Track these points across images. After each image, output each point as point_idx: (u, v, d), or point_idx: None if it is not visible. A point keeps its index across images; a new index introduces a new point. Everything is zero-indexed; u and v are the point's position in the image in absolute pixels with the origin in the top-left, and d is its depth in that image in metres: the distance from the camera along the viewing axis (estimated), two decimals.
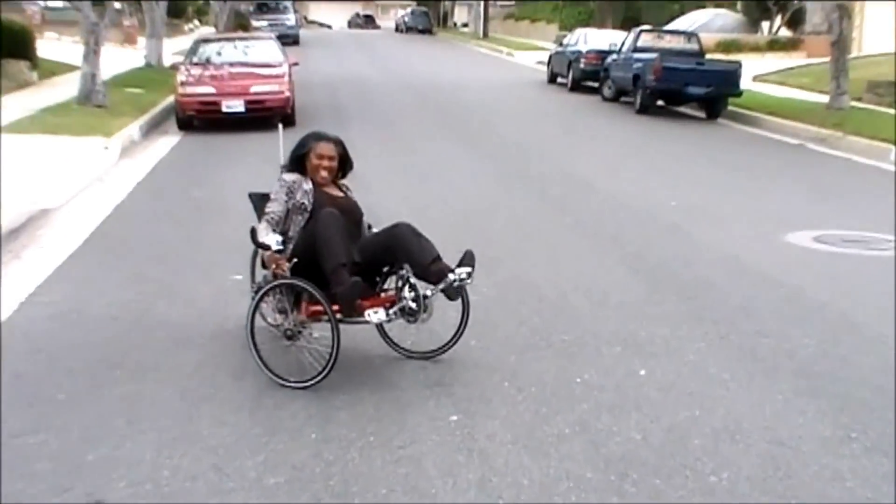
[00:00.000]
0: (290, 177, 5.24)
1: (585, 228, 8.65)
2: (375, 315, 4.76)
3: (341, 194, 5.37)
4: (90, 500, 3.72)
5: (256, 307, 4.96)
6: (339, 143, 5.38)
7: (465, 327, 5.26)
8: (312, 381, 4.79)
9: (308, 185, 5.18)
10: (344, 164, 5.43)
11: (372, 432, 4.34)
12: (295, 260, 4.93)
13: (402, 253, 4.96)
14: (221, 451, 4.15)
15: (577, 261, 7.47)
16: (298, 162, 5.32)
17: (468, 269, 5.03)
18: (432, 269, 4.94)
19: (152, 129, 15.01)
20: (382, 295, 5.11)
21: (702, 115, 18.69)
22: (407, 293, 4.79)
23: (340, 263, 4.74)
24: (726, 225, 8.79)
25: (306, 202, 5.10)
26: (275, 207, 5.12)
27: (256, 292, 5.02)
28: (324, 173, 5.27)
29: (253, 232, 4.95)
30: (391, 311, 4.84)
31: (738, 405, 4.69)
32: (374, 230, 5.39)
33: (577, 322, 5.95)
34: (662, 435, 4.33)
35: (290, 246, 5.00)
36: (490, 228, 8.52)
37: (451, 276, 4.99)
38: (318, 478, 3.91)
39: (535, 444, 4.23)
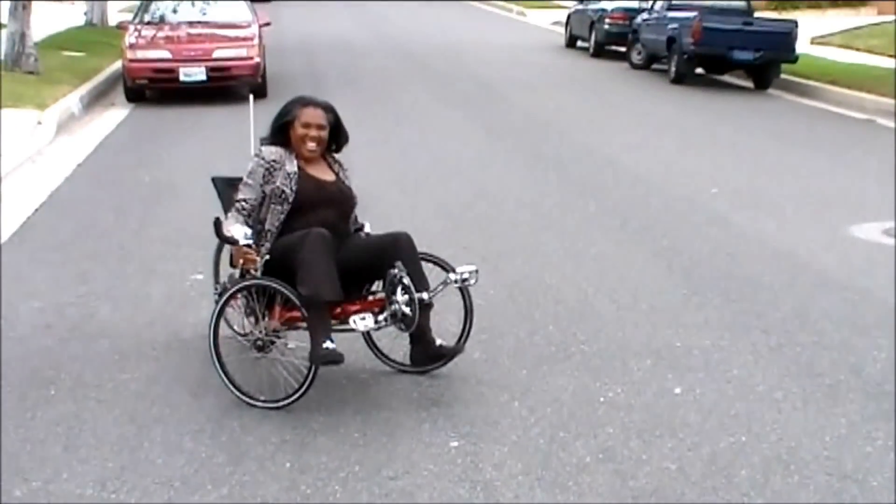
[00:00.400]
0: (271, 152, 5.15)
1: (611, 218, 8.64)
2: (362, 322, 4.74)
3: (331, 177, 5.29)
4: None
5: (221, 312, 4.94)
6: (329, 110, 5.30)
7: (467, 336, 5.25)
8: (286, 401, 4.79)
9: (292, 167, 5.11)
10: (337, 134, 5.35)
11: (357, 461, 4.33)
12: (268, 256, 4.91)
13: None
14: (177, 483, 4.14)
15: (601, 256, 7.46)
16: (281, 132, 5.23)
17: (471, 268, 5.02)
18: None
19: (95, 100, 15.00)
20: (370, 298, 5.10)
21: (749, 84, 18.69)
22: (399, 296, 4.77)
23: (323, 301, 4.72)
24: (779, 215, 8.79)
25: (287, 190, 5.04)
26: (247, 194, 5.08)
27: (221, 294, 5.00)
28: (311, 145, 5.18)
29: (217, 224, 4.92)
30: (381, 318, 4.83)
31: (792, 430, 4.68)
32: (368, 232, 5.35)
33: (601, 330, 5.95)
34: (702, 465, 4.33)
35: (266, 240, 4.98)
36: (499, 218, 8.51)
37: (451, 276, 4.98)
38: None
39: (550, 475, 4.22)
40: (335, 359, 4.67)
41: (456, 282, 5.00)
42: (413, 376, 5.20)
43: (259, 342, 4.94)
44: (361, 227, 5.39)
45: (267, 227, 5.02)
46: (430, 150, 11.58)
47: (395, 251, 4.91)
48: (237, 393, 4.88)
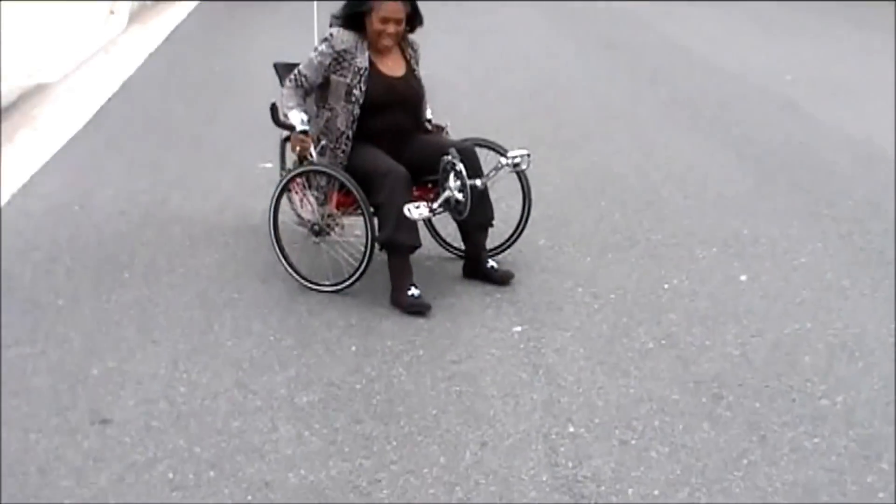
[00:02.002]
0: (343, 40, 4.94)
1: (682, 107, 8.52)
2: (416, 210, 4.68)
3: (401, 72, 5.10)
4: (94, 420, 3.83)
5: (279, 196, 4.98)
6: (408, 1, 5.04)
7: (525, 223, 5.23)
8: (345, 283, 4.85)
9: (363, 61, 4.92)
10: (412, 20, 5.12)
11: (421, 345, 4.40)
12: (324, 142, 4.91)
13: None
14: (246, 364, 4.23)
15: (671, 145, 7.38)
16: (354, 19, 4.99)
17: (523, 152, 4.95)
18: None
19: None
20: (427, 186, 5.08)
21: None
22: (452, 182, 4.73)
23: (403, 246, 4.75)
24: (854, 102, 8.59)
25: (358, 92, 4.88)
26: (308, 72, 4.96)
27: (295, 176, 5.02)
28: (387, 42, 4.98)
29: (273, 109, 4.92)
30: (435, 206, 4.79)
31: (859, 317, 4.64)
32: (438, 125, 5.30)
33: (668, 218, 5.91)
34: (765, 351, 4.32)
35: (339, 140, 4.92)
36: (566, 106, 8.44)
37: (502, 160, 4.94)
38: (358, 396, 3.98)
39: (612, 360, 4.25)
40: (420, 309, 4.69)
41: (508, 166, 4.95)
42: None
43: (316, 226, 4.98)
44: (430, 122, 5.30)
45: (339, 125, 4.91)
46: (498, 39, 11.45)
47: (465, 153, 4.86)
48: (300, 278, 4.95)
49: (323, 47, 4.95)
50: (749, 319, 4.61)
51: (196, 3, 14.12)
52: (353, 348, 4.37)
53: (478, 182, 4.78)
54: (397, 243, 4.74)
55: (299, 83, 4.98)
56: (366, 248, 4.74)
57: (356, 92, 4.90)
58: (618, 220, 5.87)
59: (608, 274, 5.13)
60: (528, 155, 4.97)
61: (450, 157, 4.73)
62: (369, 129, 4.94)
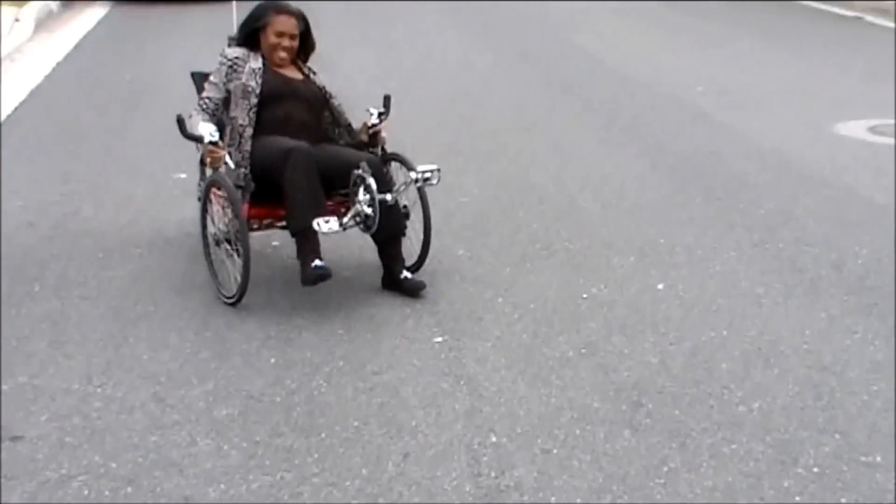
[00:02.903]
0: (234, 51, 5.16)
1: (596, 116, 8.61)
2: (326, 225, 4.66)
3: (300, 76, 5.27)
4: (5, 437, 3.73)
5: (205, 206, 4.94)
6: (302, 18, 5.25)
7: (428, 238, 5.10)
8: (236, 296, 4.77)
9: (257, 63, 5.09)
10: (306, 43, 5.31)
11: (341, 356, 4.36)
12: (229, 163, 4.84)
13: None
14: (163, 378, 4.16)
15: (586, 154, 7.45)
16: (251, 37, 5.22)
17: (433, 167, 4.88)
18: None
19: None
20: (334, 199, 5.05)
21: None
22: (361, 196, 4.71)
23: (308, 225, 4.68)
24: (764, 112, 8.76)
25: (254, 84, 5.01)
26: (210, 93, 5.09)
27: (207, 188, 4.97)
28: (282, 54, 5.15)
29: (180, 121, 4.88)
30: (345, 220, 4.75)
31: (773, 324, 4.72)
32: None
33: (585, 227, 5.96)
34: (683, 359, 4.36)
35: (240, 136, 4.93)
36: (482, 115, 8.47)
37: (412, 175, 4.88)
38: (278, 408, 3.93)
39: (533, 369, 4.26)
40: (324, 274, 4.67)
41: (417, 181, 4.90)
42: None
43: (216, 238, 4.93)
44: (351, 129, 5.30)
45: (239, 122, 4.96)
46: (414, 50, 11.47)
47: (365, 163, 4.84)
48: (219, 291, 4.90)
49: (218, 62, 5.12)
50: (667, 327, 4.66)
51: (106, 10, 13.90)
52: (273, 360, 4.32)
53: (387, 197, 4.75)
54: (310, 229, 4.69)
55: (204, 107, 5.04)
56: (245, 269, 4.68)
57: (251, 84, 5.00)
58: (536, 230, 5.90)
59: (527, 283, 5.15)
60: (438, 170, 4.92)
61: (360, 172, 4.73)
62: (270, 122, 4.99)
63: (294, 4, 5.34)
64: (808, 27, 14.10)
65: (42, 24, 12.37)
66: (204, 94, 5.07)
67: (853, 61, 11.40)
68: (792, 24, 14.37)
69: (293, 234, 4.78)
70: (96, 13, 13.70)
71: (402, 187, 4.91)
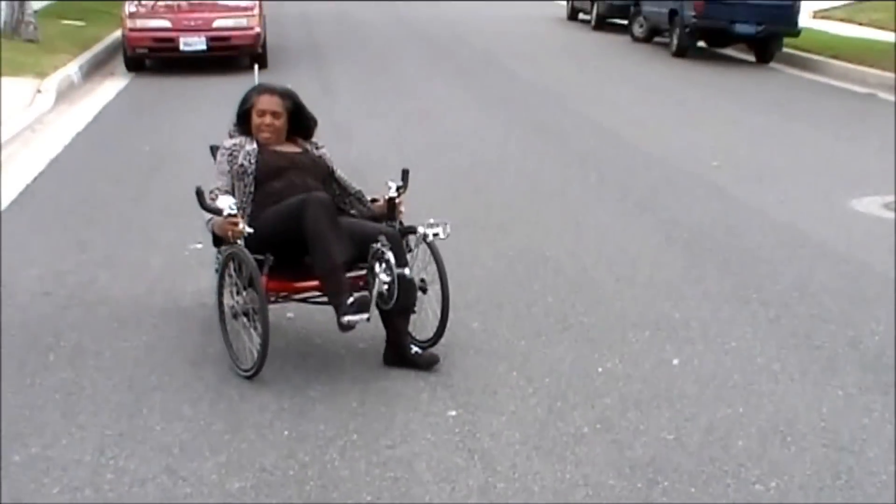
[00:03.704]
0: (232, 140, 5.26)
1: (612, 190, 8.63)
2: (356, 317, 4.64)
3: (297, 150, 5.32)
4: None
5: (222, 277, 4.95)
6: (287, 96, 5.32)
7: (446, 319, 5.07)
8: (253, 369, 4.76)
9: (252, 146, 5.17)
10: (300, 120, 5.37)
11: (355, 429, 4.34)
12: (250, 230, 4.85)
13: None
14: (176, 450, 4.15)
15: (601, 228, 7.45)
16: (244, 120, 5.32)
17: (440, 222, 4.92)
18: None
19: (95, 69, 14.96)
20: (352, 273, 5.05)
21: (751, 58, 18.62)
22: (379, 269, 4.70)
23: (336, 265, 4.70)
24: (779, 188, 8.78)
25: (246, 164, 5.09)
26: (220, 182, 5.13)
27: (225, 261, 4.96)
28: (266, 134, 5.22)
29: (199, 194, 4.91)
30: (371, 305, 4.71)
31: (790, 401, 4.69)
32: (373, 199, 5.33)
33: (600, 301, 5.95)
34: (699, 435, 4.34)
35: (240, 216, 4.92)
36: (498, 188, 8.50)
37: (420, 230, 4.92)
38: (291, 482, 3.91)
39: (548, 444, 4.23)
40: (363, 304, 4.62)
41: (426, 236, 4.90)
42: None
43: (234, 311, 4.93)
44: (361, 197, 5.34)
45: (240, 204, 4.98)
46: (430, 120, 11.55)
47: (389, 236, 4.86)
48: (236, 364, 4.89)
49: (220, 154, 5.23)
50: (682, 403, 4.63)
51: (126, 81, 14.07)
52: (286, 433, 4.31)
53: (406, 271, 4.75)
54: (339, 267, 4.70)
55: (215, 197, 5.00)
56: (263, 345, 4.67)
57: (245, 164, 5.08)
58: (550, 303, 5.89)
59: (542, 357, 5.13)
60: (446, 223, 4.94)
61: (378, 245, 4.74)
62: (274, 196, 5.03)
63: (280, 84, 5.44)
64: (822, 103, 14.17)
65: (63, 95, 12.51)
66: (213, 187, 5.08)
67: (867, 137, 11.44)
68: (806, 99, 14.46)
69: (321, 277, 4.74)
70: (116, 84, 13.87)
71: (415, 250, 4.90)
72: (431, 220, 4.97)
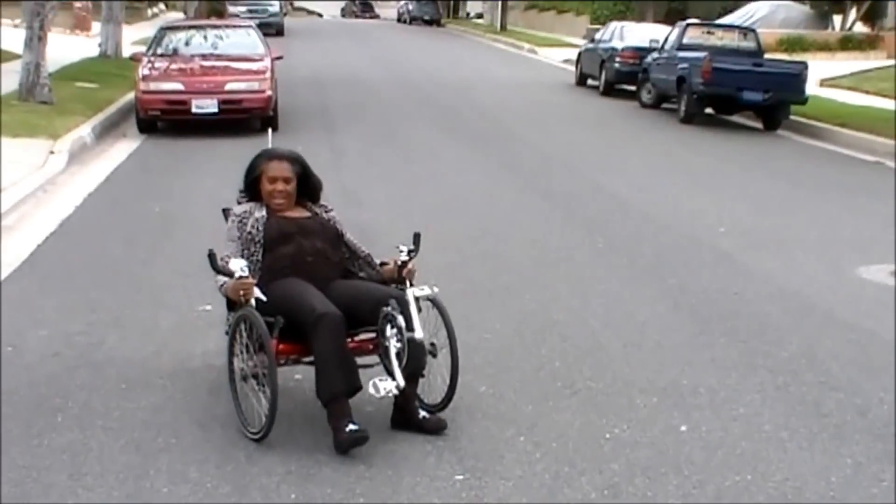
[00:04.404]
0: (242, 207, 5.31)
1: (619, 255, 8.66)
2: (383, 389, 4.66)
3: (306, 214, 5.36)
4: None
5: (233, 339, 4.97)
6: (295, 161, 5.36)
7: (455, 384, 5.08)
8: (262, 433, 4.77)
9: (261, 213, 5.22)
10: (307, 183, 5.41)
11: (361, 493, 4.34)
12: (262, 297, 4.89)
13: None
14: None
15: (608, 293, 7.47)
16: (252, 188, 5.36)
17: (433, 289, 4.96)
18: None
19: (107, 131, 15.07)
20: (362, 336, 5.09)
21: (759, 125, 18.72)
22: (390, 332, 4.74)
23: (339, 394, 4.72)
24: (786, 255, 8.80)
25: (254, 231, 5.14)
26: (230, 249, 5.15)
27: (236, 323, 4.98)
28: (279, 200, 5.27)
29: (212, 256, 4.95)
30: (397, 377, 4.71)
31: (798, 469, 4.68)
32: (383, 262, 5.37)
33: (608, 367, 5.95)
34: (707, 503, 4.31)
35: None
36: (505, 253, 8.53)
37: (409, 293, 4.92)
38: None
39: None
40: (360, 437, 4.66)
41: (417, 299, 4.92)
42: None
43: (244, 374, 4.94)
44: (370, 260, 5.37)
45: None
46: (438, 185, 11.62)
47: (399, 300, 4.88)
48: (242, 426, 4.89)
49: (229, 222, 5.28)
50: (690, 470, 4.62)
51: (138, 143, 14.19)
52: (293, 496, 4.30)
53: (416, 335, 4.75)
54: (341, 396, 4.72)
55: (225, 264, 4.99)
56: (272, 407, 4.68)
57: (253, 231, 5.13)
58: (558, 368, 5.89)
59: (549, 422, 5.13)
60: (433, 287, 5.02)
61: (389, 309, 4.76)
62: (283, 262, 5.08)
63: (287, 149, 5.49)
64: (829, 170, 14.24)
65: (76, 156, 12.61)
66: (222, 254, 5.07)
67: (875, 205, 11.48)
68: (813, 167, 14.52)
69: (324, 405, 4.76)
70: (128, 146, 13.97)
71: (426, 313, 4.92)
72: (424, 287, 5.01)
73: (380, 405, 5.18)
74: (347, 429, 4.65)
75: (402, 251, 5.22)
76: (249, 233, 5.14)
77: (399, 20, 64.28)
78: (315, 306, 4.78)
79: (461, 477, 4.50)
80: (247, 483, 4.40)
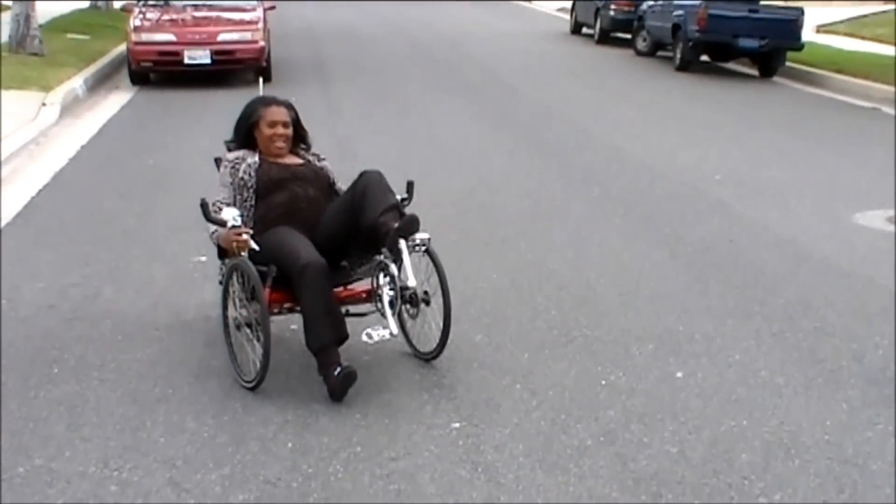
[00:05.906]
0: (234, 154, 5.29)
1: (615, 205, 8.65)
2: (377, 335, 4.73)
3: (300, 161, 5.37)
4: None
5: (227, 290, 4.97)
6: (290, 107, 5.41)
7: (448, 330, 5.06)
8: (255, 381, 4.78)
9: (253, 159, 5.21)
10: (298, 130, 5.43)
11: (358, 442, 4.36)
12: (254, 246, 4.88)
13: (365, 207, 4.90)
14: (179, 462, 4.16)
15: (605, 243, 7.47)
16: (247, 134, 5.34)
17: (425, 235, 4.92)
18: (379, 221, 4.83)
19: (100, 83, 15.00)
20: (356, 285, 5.10)
21: (754, 72, 18.68)
22: (384, 282, 4.77)
23: (326, 344, 4.72)
24: (782, 202, 8.79)
25: (246, 177, 5.14)
26: (222, 194, 5.16)
27: (229, 273, 5.00)
28: (280, 144, 5.27)
29: (204, 205, 4.95)
30: (392, 325, 4.75)
31: (793, 415, 4.70)
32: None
33: (604, 315, 5.96)
34: (703, 448, 4.34)
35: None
36: (501, 204, 8.52)
37: (401, 241, 4.82)
38: (295, 494, 3.93)
39: (551, 457, 4.24)
40: (349, 374, 4.66)
41: (413, 247, 4.85)
42: (415, 360, 5.21)
43: (238, 322, 4.96)
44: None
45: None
46: (433, 138, 11.57)
47: (364, 196, 4.92)
48: (238, 376, 4.91)
49: (222, 168, 5.27)
50: (686, 416, 4.64)
51: (130, 95, 14.11)
52: (290, 445, 4.32)
53: (409, 283, 4.74)
54: (329, 345, 4.73)
55: (219, 209, 5.04)
56: (265, 355, 4.69)
57: (245, 177, 5.12)
58: (554, 317, 5.90)
59: (545, 370, 5.14)
60: (429, 238, 4.96)
61: (382, 258, 4.80)
62: (276, 208, 5.09)
63: (280, 95, 5.49)
64: (825, 117, 14.20)
65: (68, 108, 12.55)
66: (216, 199, 5.11)
67: (871, 152, 11.45)
68: (809, 114, 14.48)
69: (314, 354, 4.77)
70: (121, 98, 13.90)
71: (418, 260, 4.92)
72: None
73: (375, 354, 5.20)
74: (336, 371, 4.66)
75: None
76: (242, 178, 5.14)
77: None
78: (300, 255, 4.78)
79: (457, 425, 4.52)
80: (244, 433, 4.42)
